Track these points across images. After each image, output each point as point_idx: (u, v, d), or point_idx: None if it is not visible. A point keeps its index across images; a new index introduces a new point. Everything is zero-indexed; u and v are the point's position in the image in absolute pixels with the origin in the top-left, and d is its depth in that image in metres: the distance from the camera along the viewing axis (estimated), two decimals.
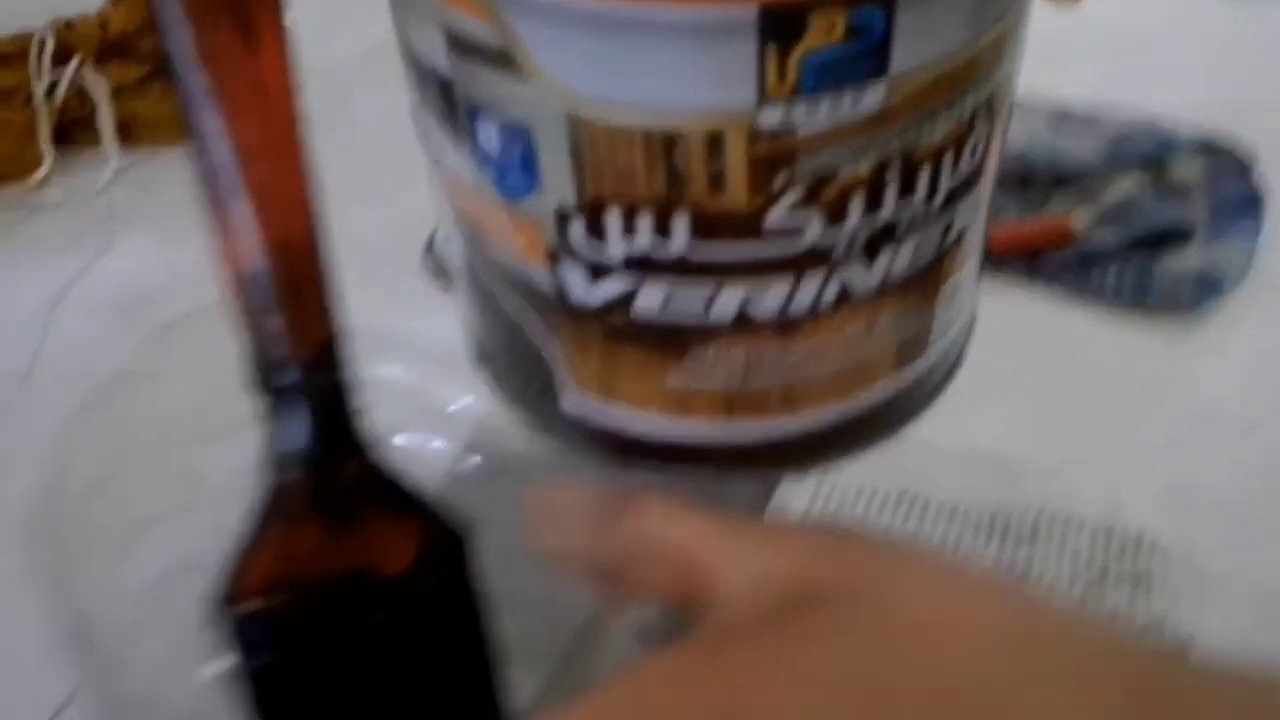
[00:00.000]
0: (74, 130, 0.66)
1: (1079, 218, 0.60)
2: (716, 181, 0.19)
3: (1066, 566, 0.40)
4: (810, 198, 0.20)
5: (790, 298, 0.21)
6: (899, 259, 0.22)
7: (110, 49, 0.67)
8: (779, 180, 0.20)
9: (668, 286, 0.21)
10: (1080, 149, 0.62)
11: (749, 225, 0.20)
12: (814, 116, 0.19)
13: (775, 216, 0.20)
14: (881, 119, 0.19)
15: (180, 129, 0.68)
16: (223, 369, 0.28)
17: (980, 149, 0.22)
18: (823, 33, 0.18)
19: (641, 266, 0.21)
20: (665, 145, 0.19)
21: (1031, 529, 0.42)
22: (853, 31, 0.18)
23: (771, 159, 0.19)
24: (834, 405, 0.24)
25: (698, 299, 0.21)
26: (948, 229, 0.22)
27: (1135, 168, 0.62)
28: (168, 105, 0.66)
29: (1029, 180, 0.62)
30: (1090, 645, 0.21)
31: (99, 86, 0.65)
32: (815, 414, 0.24)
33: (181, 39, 0.23)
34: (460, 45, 0.20)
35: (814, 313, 0.22)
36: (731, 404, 0.23)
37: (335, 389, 0.26)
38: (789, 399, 0.23)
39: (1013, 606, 0.22)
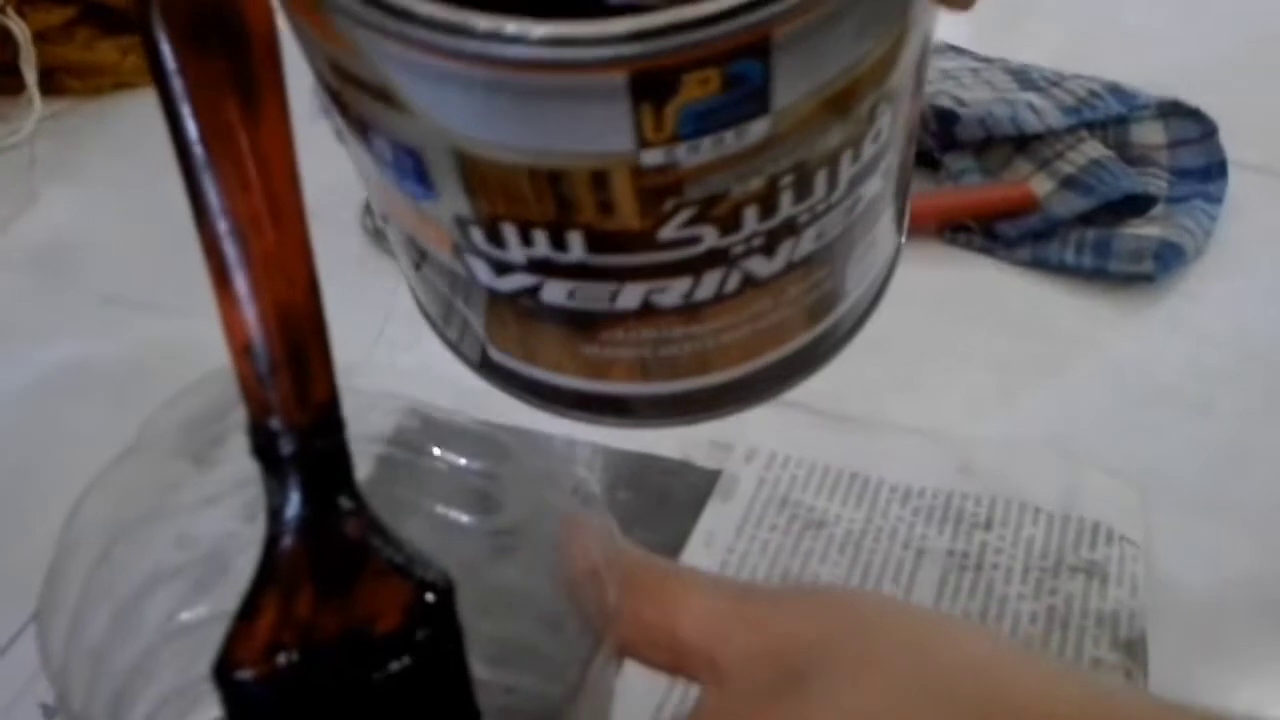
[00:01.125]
0: None
1: (1040, 183, 0.59)
2: (605, 207, 0.20)
3: (1021, 554, 0.39)
4: (702, 216, 0.20)
5: (692, 291, 0.22)
6: (802, 245, 0.22)
7: None
8: (668, 205, 0.20)
9: (571, 283, 0.22)
10: (1043, 110, 0.61)
11: (643, 240, 0.21)
12: (697, 154, 0.19)
13: (668, 232, 0.20)
14: (769, 144, 0.19)
15: (107, 76, 0.65)
16: (223, 439, 0.29)
17: (884, 133, 0.22)
18: (697, 88, 0.18)
19: (543, 269, 0.22)
20: (551, 179, 0.20)
21: (986, 516, 0.41)
22: (729, 82, 0.18)
23: (658, 189, 0.20)
24: (748, 363, 0.25)
25: (601, 293, 0.22)
26: (853, 206, 0.22)
27: (1098, 132, 0.61)
28: (94, 52, 0.64)
29: (989, 143, 0.60)
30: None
31: (21, 30, 0.62)
32: (729, 371, 0.25)
33: (184, 114, 0.23)
34: (344, 74, 0.21)
35: (718, 298, 0.22)
36: (646, 368, 0.24)
37: (332, 454, 0.26)
38: (702, 362, 0.24)
39: (979, 681, 0.23)
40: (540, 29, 0.17)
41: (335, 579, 0.27)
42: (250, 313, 0.25)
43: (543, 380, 0.26)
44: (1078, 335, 0.52)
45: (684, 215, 0.20)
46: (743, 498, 0.42)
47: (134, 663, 0.29)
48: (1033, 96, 0.62)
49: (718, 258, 0.21)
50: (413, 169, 0.21)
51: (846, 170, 0.21)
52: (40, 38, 0.62)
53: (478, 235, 0.22)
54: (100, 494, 0.28)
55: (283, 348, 0.25)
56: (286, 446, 0.26)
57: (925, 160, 0.62)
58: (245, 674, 0.26)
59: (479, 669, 0.28)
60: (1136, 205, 0.57)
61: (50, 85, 0.63)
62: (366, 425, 0.29)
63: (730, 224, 0.20)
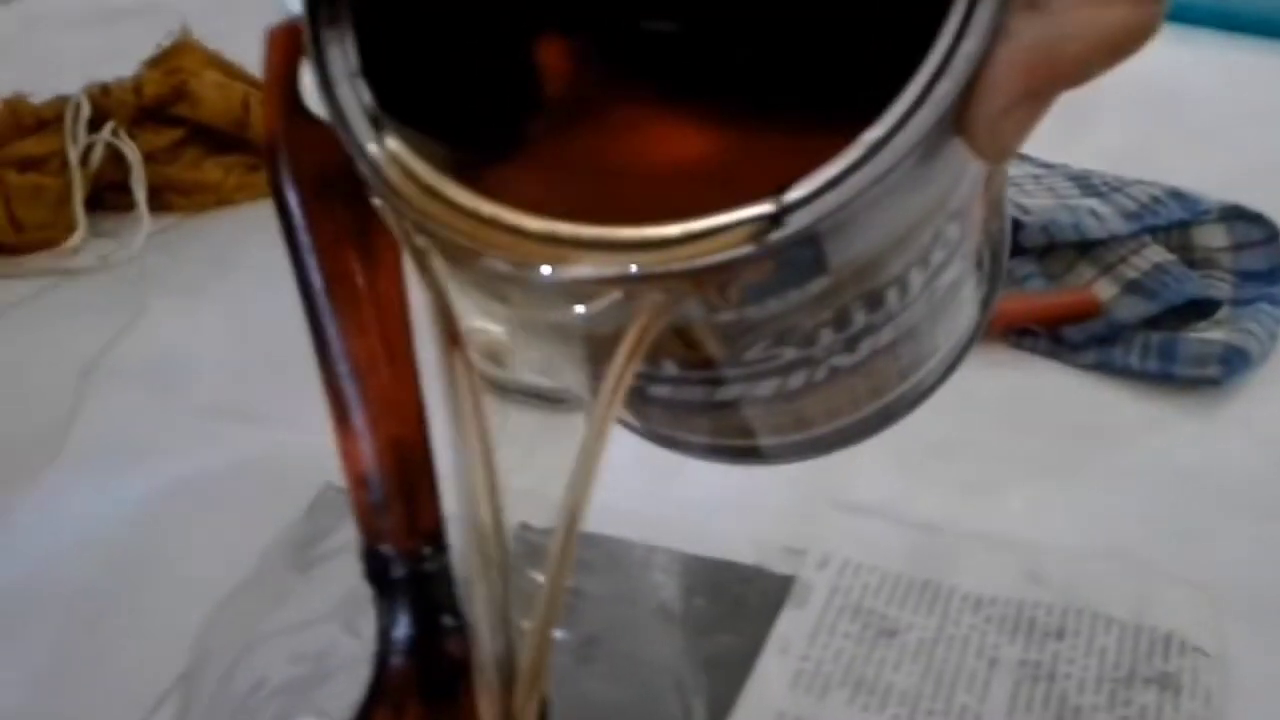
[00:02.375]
0: (107, 195, 0.67)
1: (1104, 288, 0.60)
2: (690, 345, 0.21)
3: (1094, 666, 0.40)
4: (779, 341, 0.21)
5: (782, 387, 0.23)
6: (882, 337, 0.23)
7: (144, 115, 0.68)
8: (746, 340, 0.21)
9: (670, 389, 0.23)
10: (1105, 216, 0.62)
11: (729, 362, 0.22)
12: (764, 309, 0.20)
13: (750, 357, 0.22)
14: (832, 290, 0.20)
15: (211, 194, 0.68)
16: (326, 559, 0.30)
17: (954, 239, 0.22)
18: (753, 273, 0.19)
19: (646, 379, 0.23)
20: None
21: (1058, 626, 0.42)
22: (783, 266, 0.19)
23: (734, 333, 0.21)
24: (838, 420, 0.26)
25: (699, 393, 0.23)
26: (932, 296, 0.23)
27: (1160, 237, 0.62)
28: (199, 171, 0.68)
29: (1052, 248, 0.62)
30: None
31: (133, 152, 0.66)
32: (818, 430, 0.26)
33: (309, 264, 0.25)
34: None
35: (809, 386, 0.23)
36: (749, 431, 0.26)
37: (438, 575, 0.28)
38: (800, 424, 0.26)
39: None
40: (595, 268, 0.18)
41: (441, 694, 0.29)
42: (366, 447, 0.27)
43: (682, 439, 0.28)
44: (1144, 439, 0.53)
45: (762, 344, 0.21)
46: (816, 604, 0.43)
47: None
48: (1095, 203, 0.64)
49: (800, 364, 0.22)
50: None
51: (917, 280, 0.22)
52: (149, 158, 0.67)
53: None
54: (226, 614, 0.30)
55: (395, 479, 0.27)
56: (397, 570, 0.28)
57: None
58: None
59: None
60: (1201, 309, 0.58)
61: (158, 203, 0.67)
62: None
63: (808, 341, 0.22)
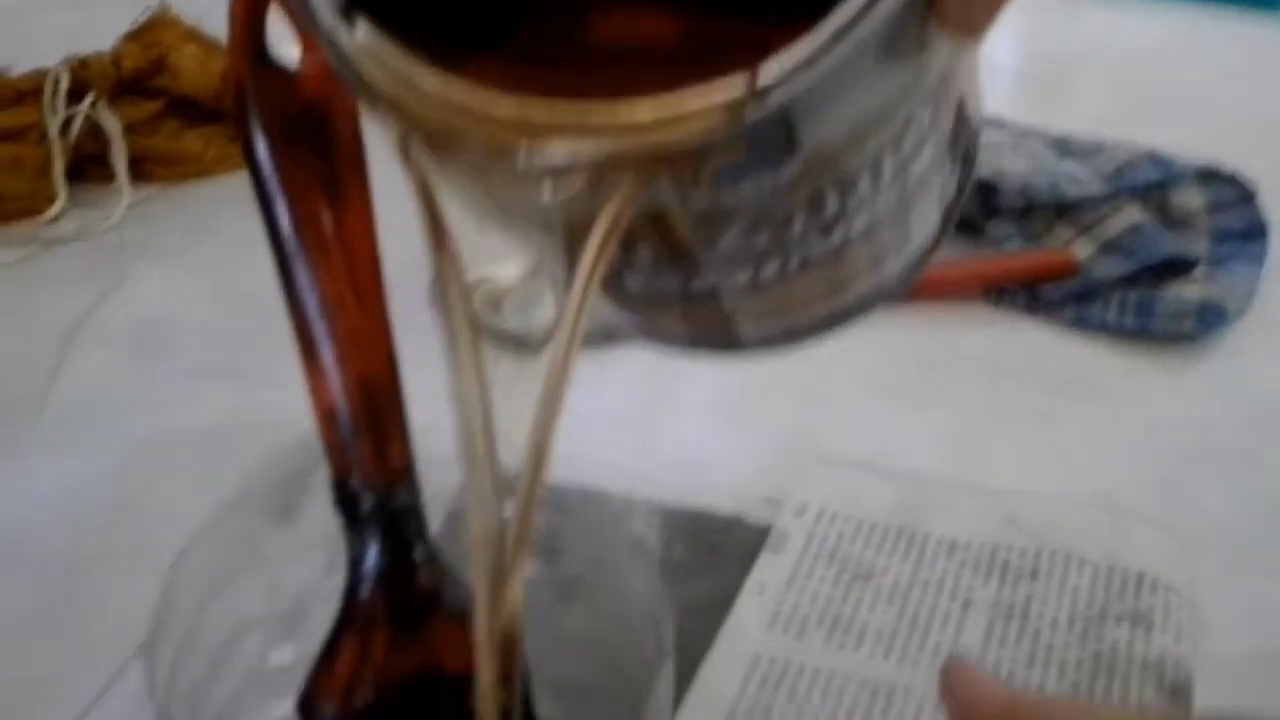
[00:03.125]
0: (87, 167, 0.67)
1: (1081, 248, 0.60)
2: (663, 232, 0.21)
3: (1066, 604, 0.40)
4: (752, 228, 0.21)
5: (755, 277, 0.23)
6: (855, 225, 0.23)
7: (123, 87, 0.68)
8: (719, 227, 0.21)
9: (645, 279, 0.23)
10: (1082, 179, 0.63)
11: (701, 249, 0.22)
12: (737, 192, 0.20)
13: (724, 244, 0.22)
14: (805, 172, 0.20)
15: (191, 165, 0.69)
16: (306, 498, 0.31)
17: (926, 125, 0.22)
18: (727, 156, 0.19)
19: (620, 266, 0.23)
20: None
21: (1031, 567, 0.42)
22: (755, 147, 0.19)
23: (707, 218, 0.21)
24: (811, 311, 0.26)
25: (674, 282, 0.23)
26: (905, 182, 0.23)
27: (1137, 198, 0.63)
28: (179, 142, 0.68)
29: (1031, 210, 0.62)
30: None
31: (112, 124, 0.66)
32: (794, 318, 0.26)
33: (277, 206, 0.26)
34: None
35: (783, 275, 0.23)
36: (725, 322, 0.26)
37: (408, 510, 0.28)
38: (777, 313, 0.26)
39: None
40: (568, 151, 0.18)
41: (409, 624, 0.29)
42: (334, 383, 0.27)
43: (662, 331, 0.28)
44: (1121, 393, 0.54)
45: (736, 230, 0.21)
46: (793, 551, 0.43)
47: (227, 702, 0.31)
48: (1072, 165, 0.64)
49: (774, 251, 0.22)
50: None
51: (889, 166, 0.22)
52: (129, 130, 0.67)
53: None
54: (200, 547, 0.31)
55: (364, 414, 0.28)
56: (366, 503, 0.28)
57: (968, 227, 0.64)
58: (326, 711, 0.29)
59: (544, 709, 0.30)
60: (1177, 268, 0.59)
61: (138, 174, 0.67)
62: (439, 484, 0.31)
63: (782, 227, 0.22)
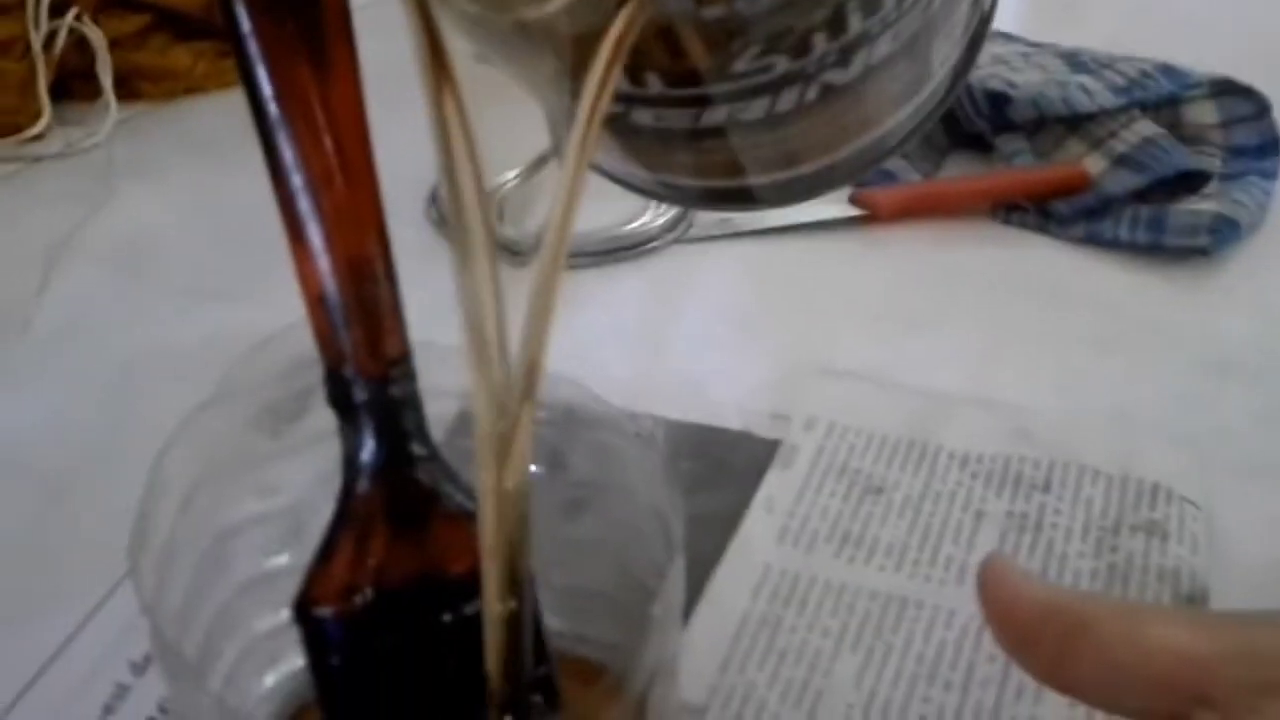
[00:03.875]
0: (73, 82, 0.65)
1: (1093, 163, 0.59)
2: (675, 53, 0.20)
3: (1080, 515, 0.40)
4: (770, 49, 0.21)
5: (772, 107, 0.22)
6: (877, 50, 0.22)
7: (108, 1, 0.66)
8: (735, 45, 0.20)
9: (654, 110, 0.22)
10: (1095, 91, 0.61)
11: (716, 74, 0.21)
12: (755, 4, 0.19)
13: (739, 66, 0.21)
14: None
15: (180, 81, 0.67)
16: (301, 395, 0.30)
17: None
18: None
19: (627, 100, 0.22)
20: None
21: (1044, 479, 0.41)
22: None
23: (723, 34, 0.20)
24: (834, 153, 0.25)
25: (685, 117, 0.22)
26: (929, 8, 0.22)
27: (1150, 112, 0.61)
28: (167, 58, 0.66)
29: (1042, 124, 0.61)
30: None
31: (98, 38, 0.64)
32: (817, 161, 0.25)
33: (258, 73, 0.24)
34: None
35: (799, 108, 0.22)
36: (736, 167, 0.25)
37: (404, 403, 0.27)
38: (790, 159, 0.25)
39: None
40: None
41: (408, 523, 0.28)
42: (323, 263, 0.26)
43: (671, 181, 0.26)
44: (1133, 309, 0.53)
45: (752, 51, 0.20)
46: (802, 465, 0.42)
47: (220, 608, 0.30)
48: (1084, 78, 0.62)
49: (792, 78, 0.21)
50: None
51: None
52: (115, 44, 0.65)
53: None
54: (184, 441, 0.29)
55: (355, 297, 0.26)
56: (360, 394, 0.27)
57: (977, 142, 0.62)
58: (323, 612, 0.27)
59: (552, 619, 0.29)
60: (1190, 182, 0.58)
61: (125, 90, 0.65)
62: (445, 378, 0.30)
63: (800, 50, 0.21)
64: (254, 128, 0.25)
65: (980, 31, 0.26)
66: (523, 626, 0.25)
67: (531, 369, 0.22)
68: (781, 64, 0.21)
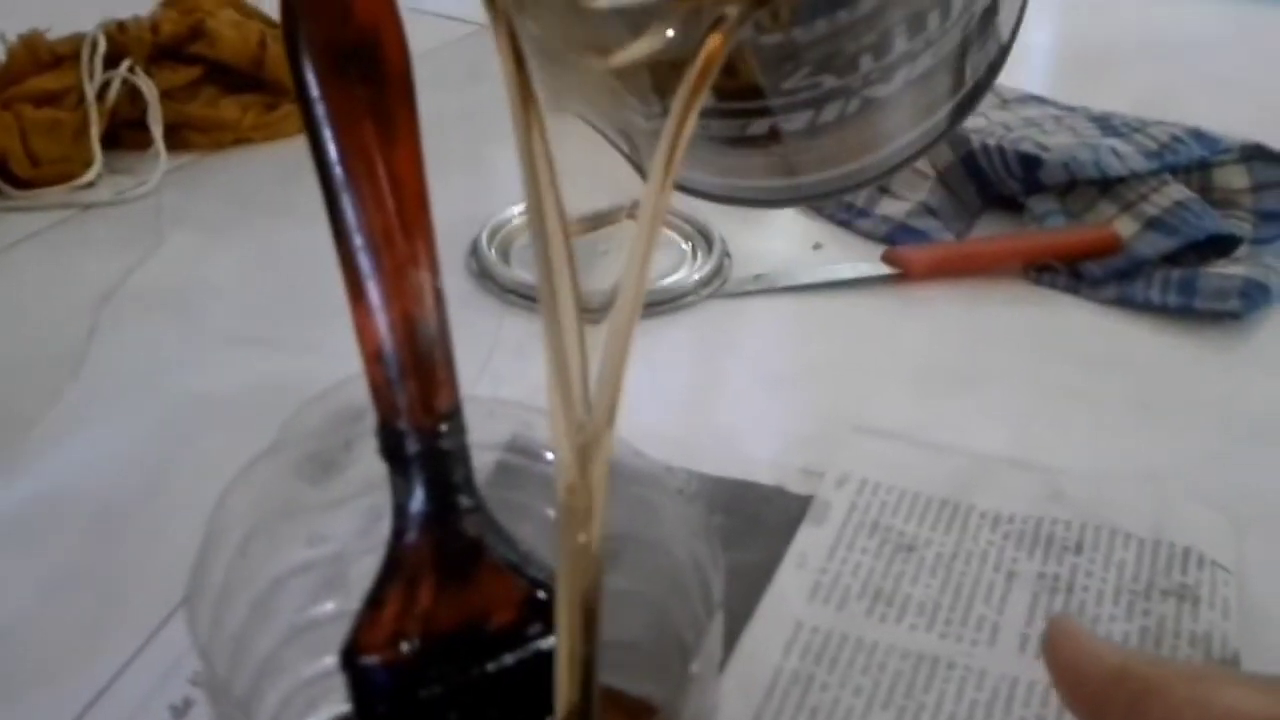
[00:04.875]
0: (124, 132, 0.67)
1: (1124, 225, 0.60)
2: (730, 73, 0.21)
3: (1112, 578, 0.40)
4: (820, 69, 0.21)
5: (815, 119, 0.23)
6: (919, 65, 0.23)
7: (161, 53, 0.68)
8: (787, 67, 0.21)
9: (702, 121, 0.23)
10: (1126, 155, 0.62)
11: (768, 91, 0.22)
12: (812, 31, 0.20)
13: (789, 85, 0.22)
14: (879, 10, 0.20)
15: (228, 132, 0.69)
16: (351, 444, 0.31)
17: None
18: None
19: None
20: (678, 61, 0.21)
21: (1077, 541, 0.41)
22: None
23: (778, 58, 0.21)
24: (877, 153, 0.26)
25: (733, 127, 0.23)
26: (969, 22, 0.23)
27: (1181, 175, 0.62)
28: (216, 109, 0.68)
29: (1074, 186, 0.62)
30: None
31: (149, 89, 0.66)
32: (860, 163, 0.26)
33: (325, 137, 0.25)
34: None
35: (841, 120, 0.23)
36: (780, 168, 0.25)
37: (453, 456, 0.28)
38: (833, 159, 0.25)
39: None
40: None
41: (454, 573, 0.29)
42: (382, 321, 0.27)
43: (695, 180, 0.27)
44: (1164, 371, 0.53)
45: (803, 71, 0.21)
46: (834, 522, 0.43)
47: (268, 652, 0.31)
48: (1115, 142, 0.63)
49: (837, 93, 0.22)
50: None
51: (959, 2, 0.22)
52: (167, 96, 0.67)
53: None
54: (241, 491, 0.30)
55: (411, 352, 0.27)
56: (412, 446, 0.28)
57: (1009, 203, 0.63)
58: (371, 660, 0.28)
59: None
60: (1221, 246, 0.58)
61: (175, 140, 0.67)
62: (486, 432, 0.30)
63: (848, 69, 0.21)
64: (319, 188, 0.26)
65: (1009, 45, 0.26)
66: (594, 673, 0.26)
67: (605, 426, 0.22)
68: (829, 81, 0.22)
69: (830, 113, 0.23)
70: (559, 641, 0.25)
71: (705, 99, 0.22)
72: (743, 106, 0.22)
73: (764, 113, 0.23)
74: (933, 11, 0.21)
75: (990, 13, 0.24)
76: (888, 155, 0.26)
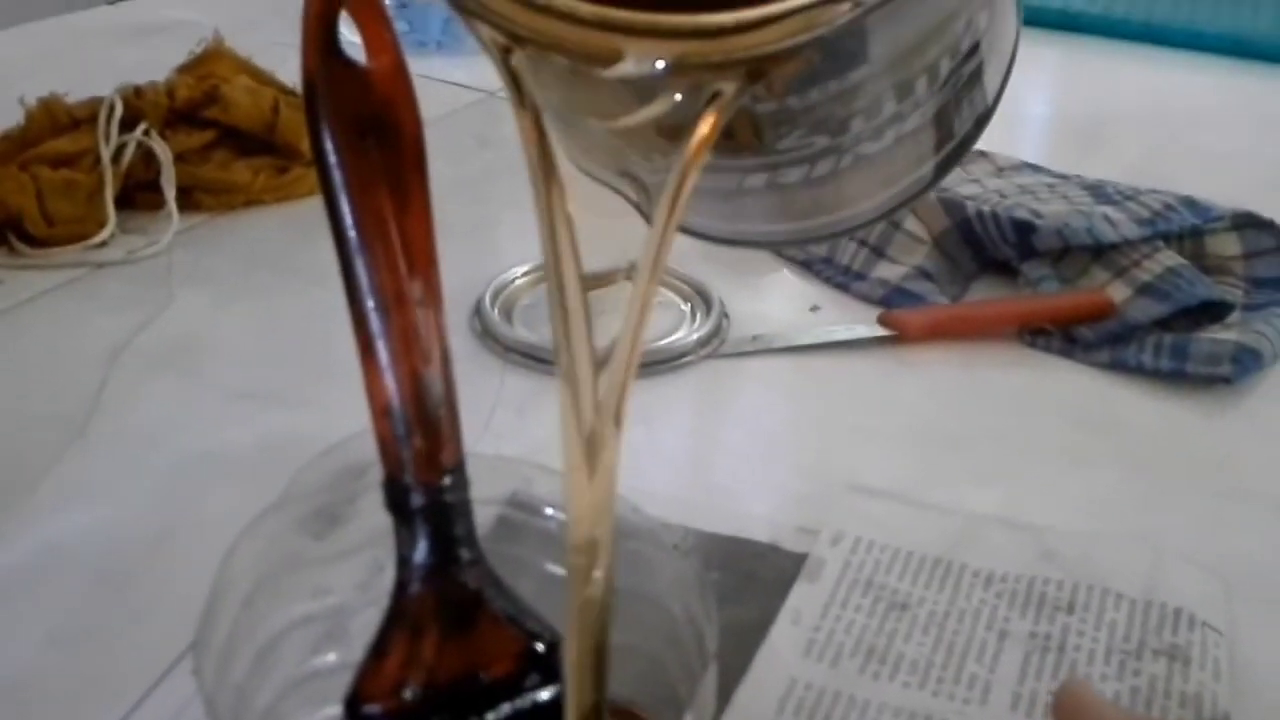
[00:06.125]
0: (137, 193, 0.68)
1: (1117, 290, 0.61)
2: (727, 134, 0.22)
3: (1103, 638, 0.40)
4: (814, 131, 0.22)
5: (809, 174, 0.24)
6: (908, 124, 0.24)
7: (176, 117, 0.69)
8: (782, 129, 0.22)
9: (703, 175, 0.24)
10: (1119, 222, 0.63)
11: (764, 151, 0.23)
12: (805, 99, 0.21)
13: (784, 145, 0.23)
14: (870, 79, 0.21)
15: (239, 194, 0.70)
16: (355, 499, 0.32)
17: (982, 25, 0.23)
18: (801, 64, 0.20)
19: None
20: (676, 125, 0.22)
21: (1068, 600, 0.42)
22: (829, 54, 0.20)
23: (773, 122, 0.22)
24: (869, 202, 0.27)
25: (730, 181, 0.24)
26: (958, 82, 0.24)
27: (1173, 243, 0.63)
28: (228, 172, 0.69)
29: (1067, 252, 0.63)
30: None
31: (164, 152, 0.68)
32: (837, 214, 0.27)
33: (341, 201, 0.26)
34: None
35: (835, 174, 0.24)
36: (776, 215, 0.26)
37: (456, 509, 0.29)
38: (827, 207, 0.26)
39: None
40: (661, 59, 0.19)
41: (456, 624, 0.30)
42: (390, 378, 0.28)
43: (693, 224, 0.28)
44: (1157, 435, 0.54)
45: (797, 134, 0.22)
46: (829, 580, 0.43)
47: (270, 704, 0.32)
48: (1108, 209, 0.65)
49: (829, 151, 0.23)
50: None
51: (945, 68, 0.23)
52: (180, 159, 0.68)
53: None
54: (247, 544, 0.31)
55: (417, 409, 0.28)
56: (417, 499, 0.29)
57: (1003, 268, 0.64)
58: (374, 709, 0.29)
59: None
60: (1213, 312, 0.59)
61: (188, 202, 0.68)
62: (488, 487, 0.31)
63: (839, 130, 0.22)
64: (334, 250, 0.27)
65: (997, 99, 0.27)
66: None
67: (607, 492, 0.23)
68: (821, 141, 0.23)
69: (823, 168, 0.24)
70: (568, 694, 0.25)
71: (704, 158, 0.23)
72: (739, 164, 0.23)
73: (760, 169, 0.24)
74: (921, 78, 0.22)
75: (976, 74, 0.25)
76: (874, 206, 0.27)
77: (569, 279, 0.22)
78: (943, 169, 0.28)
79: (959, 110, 0.25)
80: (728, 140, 0.22)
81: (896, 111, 0.23)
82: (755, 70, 0.19)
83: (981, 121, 0.28)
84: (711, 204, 0.26)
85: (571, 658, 0.25)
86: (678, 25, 0.19)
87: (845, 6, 0.18)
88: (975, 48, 0.23)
